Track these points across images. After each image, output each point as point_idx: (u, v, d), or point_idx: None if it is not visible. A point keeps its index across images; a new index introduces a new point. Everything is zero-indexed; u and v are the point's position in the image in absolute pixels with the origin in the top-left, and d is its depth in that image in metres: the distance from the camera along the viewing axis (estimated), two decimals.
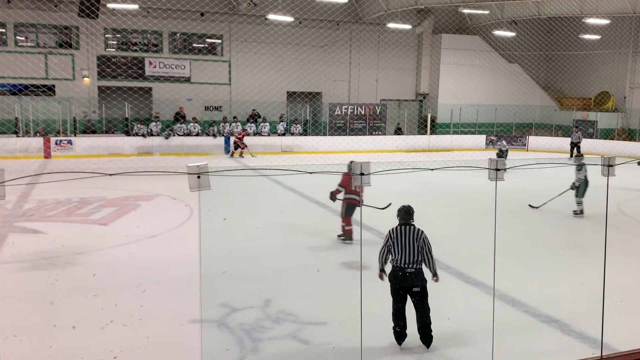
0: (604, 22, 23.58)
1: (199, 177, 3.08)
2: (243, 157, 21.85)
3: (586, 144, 23.88)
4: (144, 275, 7.62)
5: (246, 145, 21.95)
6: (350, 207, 9.36)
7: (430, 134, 26.96)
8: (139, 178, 14.42)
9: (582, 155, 17.66)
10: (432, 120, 27.88)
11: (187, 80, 24.75)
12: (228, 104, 25.56)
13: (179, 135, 22.85)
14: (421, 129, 28.10)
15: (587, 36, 26.55)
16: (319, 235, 10.16)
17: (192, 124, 23.46)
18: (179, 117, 23.82)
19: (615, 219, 11.79)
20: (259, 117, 24.84)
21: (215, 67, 25.07)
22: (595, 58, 28.33)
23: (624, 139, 26.35)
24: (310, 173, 4.25)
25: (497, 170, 4.18)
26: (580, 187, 11.93)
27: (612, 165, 4.53)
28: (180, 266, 8.06)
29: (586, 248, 9.85)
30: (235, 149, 22.03)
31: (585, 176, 11.90)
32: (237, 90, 25.36)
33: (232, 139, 22.31)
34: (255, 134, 24.08)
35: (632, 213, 12.66)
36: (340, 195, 9.42)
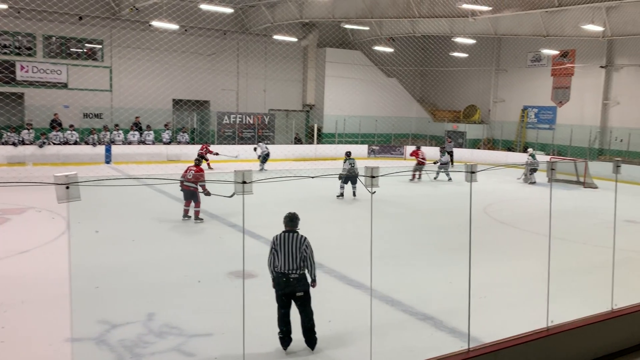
0: (471, 41, 25.96)
1: (67, 187, 2.97)
2: (212, 168, 21.08)
3: (457, 153, 26.05)
4: (8, 294, 7.18)
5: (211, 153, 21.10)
6: (185, 193, 11.73)
7: (317, 143, 27.90)
8: (9, 190, 13.55)
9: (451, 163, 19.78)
10: (319, 130, 28.86)
11: (64, 86, 23.40)
12: (109, 111, 24.52)
13: (55, 144, 21.56)
14: (308, 139, 28.95)
15: (456, 54, 29.06)
16: (204, 245, 10.17)
17: (69, 131, 22.26)
18: (55, 124, 22.46)
19: (481, 222, 12.87)
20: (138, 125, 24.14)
21: (95, 72, 23.97)
22: (464, 74, 31.03)
23: (488, 148, 29.13)
24: (185, 182, 4.26)
25: (373, 177, 4.48)
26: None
27: (474, 172, 5.07)
28: (52, 283, 7.61)
29: (456, 249, 10.82)
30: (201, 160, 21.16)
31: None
32: (119, 97, 24.41)
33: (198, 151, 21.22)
34: (139, 142, 23.40)
35: (495, 216, 14.03)
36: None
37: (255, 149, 21.85)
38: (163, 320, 6.52)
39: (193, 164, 12.54)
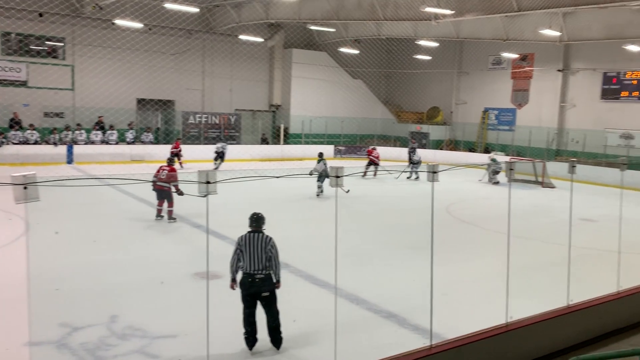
0: (434, 44, 26.50)
1: (25, 187, 2.89)
2: (182, 167, 20.74)
3: (420, 154, 26.44)
4: None
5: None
6: (158, 192, 11.77)
7: (284, 143, 27.95)
8: None
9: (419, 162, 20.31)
10: (285, 131, 28.92)
11: (24, 84, 22.78)
12: (71, 110, 24.01)
13: (14, 143, 20.99)
14: (275, 139, 28.96)
15: (420, 56, 29.61)
16: (169, 246, 10.11)
17: (29, 131, 21.70)
18: (14, 123, 21.86)
19: (443, 220, 13.16)
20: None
21: (56, 71, 23.42)
22: (427, 76, 31.62)
23: (451, 149, 29.76)
24: (151, 182, 4.25)
25: (338, 177, 4.61)
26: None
27: (435, 172, 5.27)
28: (9, 286, 7.36)
29: (419, 247, 11.05)
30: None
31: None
32: (81, 96, 23.92)
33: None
34: (102, 142, 22.97)
35: (457, 215, 14.40)
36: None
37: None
38: (126, 322, 6.46)
39: (165, 163, 12.58)
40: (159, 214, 12.02)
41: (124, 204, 13.94)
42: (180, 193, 11.60)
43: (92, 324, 6.38)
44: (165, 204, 11.88)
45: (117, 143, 23.37)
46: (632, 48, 22.22)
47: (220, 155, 21.44)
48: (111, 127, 23.61)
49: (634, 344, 6.59)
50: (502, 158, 23.54)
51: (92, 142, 22.84)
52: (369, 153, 21.90)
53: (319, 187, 15.94)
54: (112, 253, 9.52)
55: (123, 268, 8.72)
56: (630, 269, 7.82)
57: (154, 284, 7.93)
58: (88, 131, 23.20)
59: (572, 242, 6.93)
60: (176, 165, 20.45)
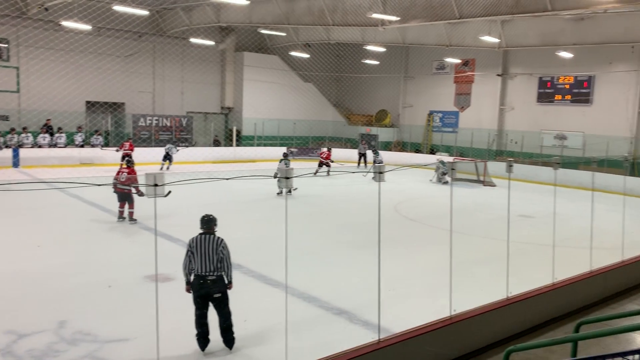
0: (381, 49, 27.32)
1: None
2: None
3: (369, 155, 27.25)
4: None
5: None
6: (119, 195, 11.94)
7: (236, 146, 28.08)
8: None
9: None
10: (238, 133, 29.06)
11: None
12: (16, 113, 23.33)
13: None
14: (228, 141, 29.03)
15: (368, 61, 30.45)
16: (118, 249, 10.01)
17: None
18: None
19: (391, 218, 13.66)
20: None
21: (1, 73, 22.74)
22: (375, 80, 32.53)
23: (398, 150, 30.74)
24: (99, 185, 4.24)
25: (287, 178, 5.02)
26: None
27: (382, 172, 5.55)
28: None
29: (367, 245, 11.40)
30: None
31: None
32: (27, 99, 23.29)
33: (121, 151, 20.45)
34: (50, 145, 22.46)
35: (404, 213, 14.90)
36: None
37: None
38: (75, 327, 6.31)
39: (125, 165, 12.66)
40: (120, 216, 12.14)
41: (72, 208, 13.74)
42: (140, 194, 11.60)
43: (40, 330, 6.20)
44: (127, 206, 12.00)
45: (65, 146, 22.87)
46: (564, 54, 23.74)
47: (167, 157, 21.49)
48: (59, 130, 23.10)
49: (568, 332, 6.87)
50: (446, 159, 24.61)
51: (40, 146, 22.29)
52: (320, 154, 23.01)
53: (280, 187, 16.25)
54: (59, 257, 9.29)
55: (70, 272, 8.52)
56: (564, 262, 8.22)
57: (103, 288, 7.81)
58: (35, 134, 22.62)
59: (511, 237, 7.29)
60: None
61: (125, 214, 12.14)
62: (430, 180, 22.35)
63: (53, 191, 14.89)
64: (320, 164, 22.34)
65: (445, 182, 21.57)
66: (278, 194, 16.08)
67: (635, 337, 6.59)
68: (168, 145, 22.34)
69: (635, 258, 9.46)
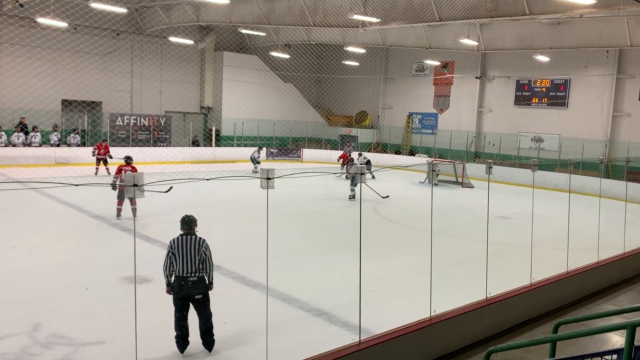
0: (361, 51, 27.41)
1: None
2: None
3: (354, 156, 27.32)
4: None
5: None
6: (120, 192, 12.08)
7: (216, 146, 27.89)
8: None
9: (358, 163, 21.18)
10: (217, 133, 28.86)
11: None
12: None
13: None
14: (207, 141, 28.80)
15: (348, 62, 30.54)
16: (96, 251, 9.87)
17: None
18: None
19: (371, 220, 13.72)
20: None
21: None
22: (356, 82, 32.67)
23: (378, 151, 30.88)
24: (76, 185, 4.15)
25: (269, 179, 4.65)
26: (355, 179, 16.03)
27: (363, 174, 5.59)
28: None
29: (348, 246, 11.43)
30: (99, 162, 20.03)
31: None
32: (1, 97, 22.80)
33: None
34: (24, 144, 22.01)
35: (385, 215, 14.95)
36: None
37: None
38: (50, 330, 6.20)
39: (125, 163, 12.92)
40: (119, 214, 12.37)
41: (47, 209, 13.50)
42: (114, 188, 12.31)
43: (13, 333, 6.08)
44: (128, 203, 12.05)
45: (40, 145, 22.44)
46: (541, 58, 24.12)
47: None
48: (34, 129, 22.65)
49: (546, 332, 6.96)
50: (425, 160, 24.79)
51: (14, 145, 21.84)
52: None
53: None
54: (34, 259, 9.11)
55: (46, 274, 8.36)
56: (542, 262, 8.39)
57: (79, 290, 7.65)
58: (9, 133, 22.14)
59: (490, 238, 7.39)
60: (102, 169, 20.16)
61: (123, 211, 12.41)
62: (421, 182, 22.40)
63: (28, 191, 14.66)
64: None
65: (436, 184, 21.72)
66: (350, 197, 16.66)
67: (612, 337, 6.71)
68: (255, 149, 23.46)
69: (610, 259, 9.64)
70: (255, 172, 21.23)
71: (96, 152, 20.17)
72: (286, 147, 30.59)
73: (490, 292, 6.95)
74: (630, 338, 3.35)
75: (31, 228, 11.44)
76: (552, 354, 4.64)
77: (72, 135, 23.53)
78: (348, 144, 27.85)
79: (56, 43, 23.04)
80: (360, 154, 23.69)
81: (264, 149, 25.87)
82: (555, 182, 19.77)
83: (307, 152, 29.50)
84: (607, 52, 23.37)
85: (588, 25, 21.60)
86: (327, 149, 30.97)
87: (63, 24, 21.11)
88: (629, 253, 10.18)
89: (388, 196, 14.82)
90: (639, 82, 23.11)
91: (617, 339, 6.57)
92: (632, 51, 22.60)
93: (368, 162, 21.54)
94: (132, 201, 11.72)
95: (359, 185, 5.46)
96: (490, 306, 6.84)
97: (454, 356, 6.29)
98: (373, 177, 22.23)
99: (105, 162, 20.09)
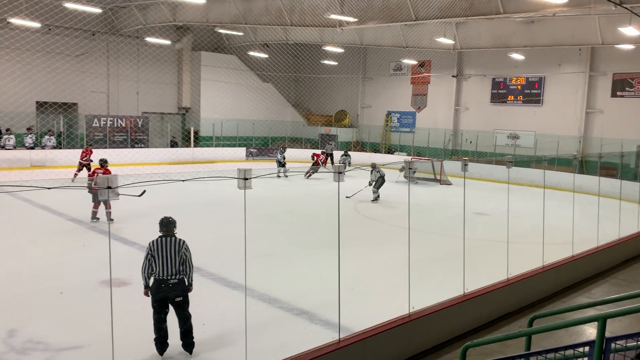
0: (339, 50, 27.48)
1: None
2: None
3: (336, 155, 27.38)
4: None
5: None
6: (95, 195, 12.07)
7: (194, 146, 27.69)
8: None
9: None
10: (196, 134, 28.65)
11: None
12: None
13: None
14: (185, 142, 28.59)
15: (327, 62, 30.60)
16: (72, 254, 9.73)
17: None
18: None
19: (350, 218, 13.81)
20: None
21: None
22: (334, 81, 32.73)
23: (358, 150, 31.00)
24: (49, 188, 4.11)
25: (246, 179, 4.65)
26: (377, 182, 16.88)
27: (341, 172, 5.52)
28: None
29: (327, 245, 11.49)
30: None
31: (381, 175, 16.78)
32: None
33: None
34: None
35: (364, 213, 15.09)
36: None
37: None
38: (26, 335, 6.12)
39: (99, 166, 12.81)
40: (94, 216, 12.28)
41: (22, 212, 13.32)
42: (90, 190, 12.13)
43: None
44: (103, 206, 11.95)
45: (14, 148, 22.02)
46: (516, 56, 24.48)
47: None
48: (8, 131, 22.20)
49: (523, 326, 7.00)
50: (403, 158, 24.97)
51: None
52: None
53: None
54: (8, 264, 8.95)
55: (20, 279, 8.21)
56: (518, 258, 8.46)
57: (55, 295, 7.54)
58: None
59: (467, 235, 7.48)
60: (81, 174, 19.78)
61: (99, 214, 12.32)
62: (397, 182, 22.55)
63: (2, 195, 14.39)
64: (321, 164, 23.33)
65: (416, 182, 21.90)
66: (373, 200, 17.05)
67: (586, 329, 6.86)
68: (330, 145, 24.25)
69: (584, 253, 9.85)
70: (279, 175, 21.47)
71: (85, 158, 19.72)
72: (266, 147, 30.52)
73: (468, 288, 7.03)
74: (602, 330, 3.43)
75: (5, 232, 11.23)
76: (528, 348, 4.72)
77: (46, 137, 23.11)
78: (330, 142, 27.88)
79: (29, 43, 22.60)
80: (346, 154, 24.02)
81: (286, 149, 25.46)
82: (531, 178, 20.06)
83: (287, 152, 29.34)
84: (579, 50, 23.82)
85: (561, 24, 21.99)
86: (307, 148, 30.96)
87: (36, 25, 20.78)
88: (602, 247, 10.41)
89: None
90: (611, 79, 23.60)
91: (591, 331, 6.67)
92: (603, 49, 23.07)
93: (346, 154, 22.07)
94: (107, 204, 11.68)
95: (327, 186, 5.47)
96: (468, 302, 6.92)
97: (432, 352, 6.36)
98: (349, 163, 22.83)
99: (89, 169, 19.70)
